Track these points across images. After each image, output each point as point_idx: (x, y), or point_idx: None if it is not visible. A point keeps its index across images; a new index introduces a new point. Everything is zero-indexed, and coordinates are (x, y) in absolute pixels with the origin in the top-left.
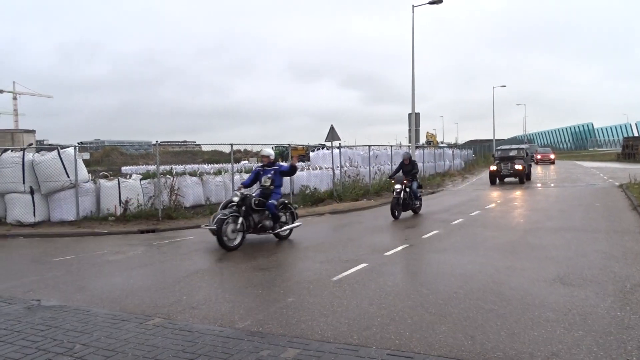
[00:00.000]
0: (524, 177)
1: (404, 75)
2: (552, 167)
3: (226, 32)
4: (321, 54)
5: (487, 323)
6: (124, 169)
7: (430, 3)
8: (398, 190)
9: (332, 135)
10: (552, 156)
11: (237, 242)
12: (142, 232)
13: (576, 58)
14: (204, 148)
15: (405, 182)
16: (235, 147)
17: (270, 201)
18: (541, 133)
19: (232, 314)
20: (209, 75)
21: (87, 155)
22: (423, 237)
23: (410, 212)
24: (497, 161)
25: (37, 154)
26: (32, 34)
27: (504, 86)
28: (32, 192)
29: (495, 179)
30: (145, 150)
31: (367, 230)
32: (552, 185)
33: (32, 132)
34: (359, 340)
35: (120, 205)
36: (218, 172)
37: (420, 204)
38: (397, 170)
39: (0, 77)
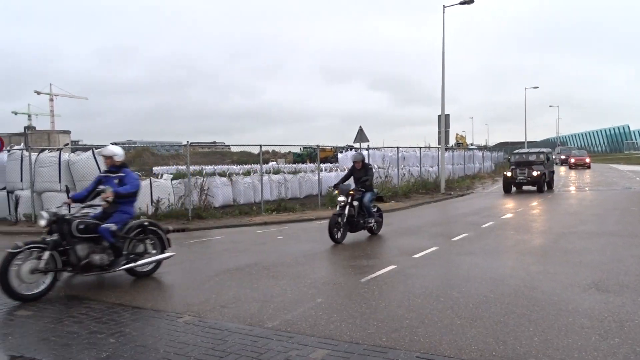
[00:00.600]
0: (542, 185)
1: (434, 77)
2: (586, 170)
3: (256, 35)
4: (350, 56)
5: (519, 328)
6: (155, 169)
7: (461, 3)
8: (342, 204)
9: (361, 136)
10: (588, 160)
11: (41, 287)
12: (172, 231)
13: (611, 58)
14: (233, 149)
15: (351, 193)
16: (264, 148)
17: (106, 225)
18: (575, 135)
19: (261, 313)
20: (239, 78)
21: None
22: (452, 239)
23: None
24: (513, 166)
25: (72, 154)
26: (70, 38)
27: (536, 87)
28: (67, 191)
29: (510, 186)
30: (175, 151)
31: (395, 233)
32: (586, 188)
33: (68, 132)
34: (388, 342)
35: (151, 204)
36: (247, 173)
37: (379, 222)
38: (345, 177)
39: (38, 79)
